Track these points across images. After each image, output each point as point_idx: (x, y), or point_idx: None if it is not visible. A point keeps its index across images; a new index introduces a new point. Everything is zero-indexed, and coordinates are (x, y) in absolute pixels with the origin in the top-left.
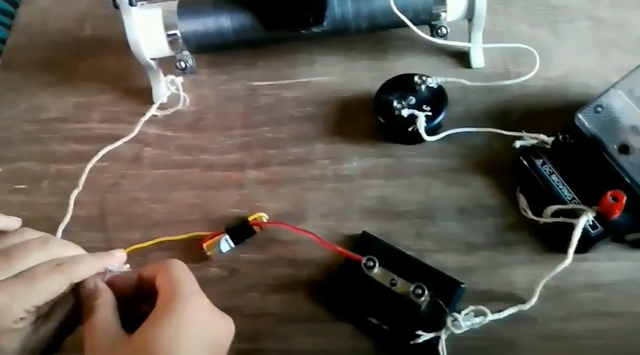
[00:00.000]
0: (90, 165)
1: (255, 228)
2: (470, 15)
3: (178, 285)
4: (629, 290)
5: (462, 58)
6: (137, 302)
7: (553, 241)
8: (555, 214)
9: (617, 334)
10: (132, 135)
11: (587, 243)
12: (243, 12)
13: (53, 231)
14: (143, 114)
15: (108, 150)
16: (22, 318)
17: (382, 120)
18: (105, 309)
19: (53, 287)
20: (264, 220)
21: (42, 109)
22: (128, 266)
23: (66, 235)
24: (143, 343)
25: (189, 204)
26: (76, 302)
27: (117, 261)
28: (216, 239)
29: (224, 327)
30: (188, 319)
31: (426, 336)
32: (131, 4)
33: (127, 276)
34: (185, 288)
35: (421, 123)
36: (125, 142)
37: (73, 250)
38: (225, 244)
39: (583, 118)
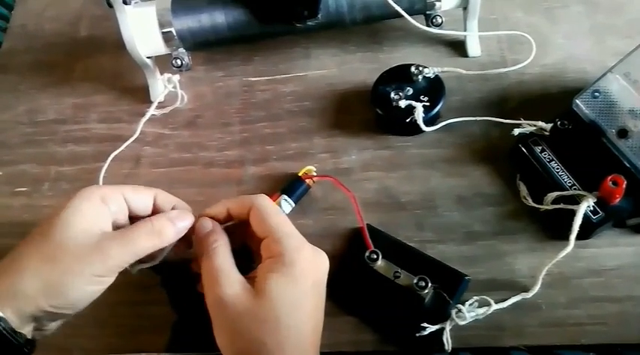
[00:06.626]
0: (104, 170)
1: (307, 181)
2: (465, 3)
3: (284, 236)
4: (632, 275)
5: (458, 47)
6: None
7: (554, 228)
8: (556, 201)
9: (621, 319)
10: (135, 136)
11: (588, 229)
12: (238, 7)
13: None
14: (141, 114)
15: (114, 154)
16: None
17: (380, 112)
18: (224, 252)
19: (146, 248)
20: (314, 173)
21: (40, 111)
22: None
23: None
24: (274, 296)
25: (190, 202)
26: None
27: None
28: (276, 202)
29: (324, 264)
30: (305, 270)
31: (430, 328)
32: (125, 3)
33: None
34: (291, 238)
35: (419, 114)
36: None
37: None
38: (286, 204)
39: (581, 104)
